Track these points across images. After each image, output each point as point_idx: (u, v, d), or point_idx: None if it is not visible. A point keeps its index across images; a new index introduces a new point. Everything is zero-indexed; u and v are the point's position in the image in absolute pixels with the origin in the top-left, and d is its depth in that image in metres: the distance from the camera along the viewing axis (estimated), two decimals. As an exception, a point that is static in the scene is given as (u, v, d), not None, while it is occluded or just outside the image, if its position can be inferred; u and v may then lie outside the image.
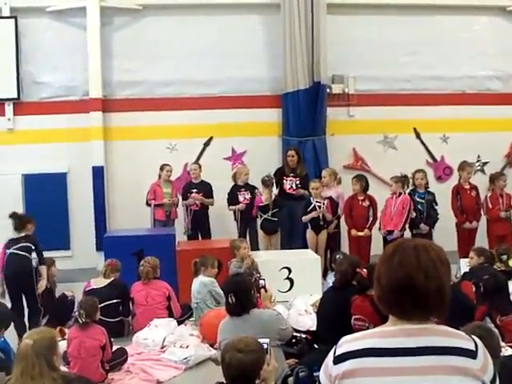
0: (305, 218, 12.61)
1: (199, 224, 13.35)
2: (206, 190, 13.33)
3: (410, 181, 13.17)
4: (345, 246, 12.83)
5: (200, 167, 13.66)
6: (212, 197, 13.38)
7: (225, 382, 4.70)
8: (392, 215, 12.40)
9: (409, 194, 12.83)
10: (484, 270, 9.25)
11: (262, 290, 7.70)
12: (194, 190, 13.29)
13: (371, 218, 12.72)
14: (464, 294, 8.24)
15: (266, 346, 5.06)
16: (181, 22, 14.57)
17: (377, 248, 12.04)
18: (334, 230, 12.93)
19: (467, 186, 13.17)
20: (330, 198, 12.80)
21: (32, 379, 4.69)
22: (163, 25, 14.56)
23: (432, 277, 2.67)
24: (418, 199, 12.74)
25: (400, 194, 12.51)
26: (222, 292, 9.76)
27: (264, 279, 7.09)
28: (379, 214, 12.67)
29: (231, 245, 11.01)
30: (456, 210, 13.06)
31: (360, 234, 12.67)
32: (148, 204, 13.52)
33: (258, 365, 4.67)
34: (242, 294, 6.70)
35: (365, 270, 7.91)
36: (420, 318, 2.69)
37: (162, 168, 13.56)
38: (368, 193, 12.87)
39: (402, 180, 12.69)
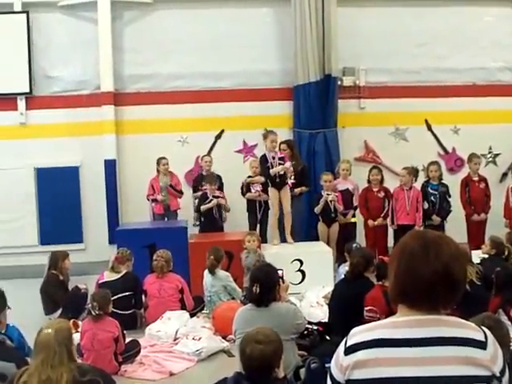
0: (317, 209, 12.62)
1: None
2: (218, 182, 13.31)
3: (422, 173, 13.21)
4: (360, 238, 12.82)
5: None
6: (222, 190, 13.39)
7: (243, 372, 4.76)
8: (408, 210, 12.43)
9: (422, 185, 12.88)
10: (495, 262, 9.25)
11: (280, 280, 7.70)
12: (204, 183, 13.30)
13: (386, 209, 12.73)
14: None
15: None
16: (191, 15, 14.59)
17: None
18: (352, 219, 12.99)
19: (476, 178, 13.17)
20: (347, 190, 12.86)
21: (52, 368, 4.72)
22: (174, 18, 14.59)
23: (462, 267, 2.75)
24: (431, 191, 12.76)
25: (411, 187, 12.54)
26: (236, 287, 9.87)
27: (282, 269, 7.07)
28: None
29: (243, 238, 11.08)
30: (464, 202, 13.07)
31: (375, 222, 12.70)
32: (147, 199, 13.62)
33: (278, 354, 4.78)
34: (268, 285, 6.70)
35: (386, 258, 7.93)
36: (433, 308, 2.71)
37: (158, 162, 13.61)
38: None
39: (414, 172, 12.71)
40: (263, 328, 5.01)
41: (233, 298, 9.80)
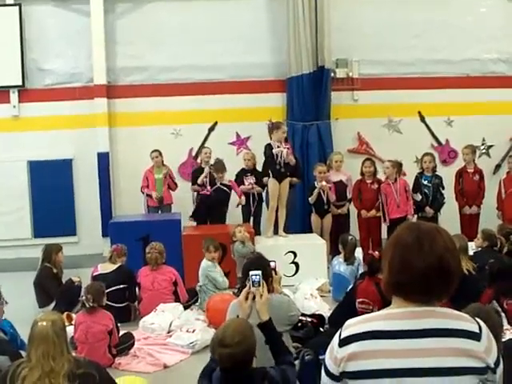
0: (311, 199, 12.61)
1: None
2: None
3: (415, 165, 13.20)
4: (354, 229, 12.81)
5: None
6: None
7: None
8: (398, 202, 12.40)
9: (416, 177, 12.91)
10: (488, 253, 9.27)
11: (272, 272, 7.66)
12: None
13: (380, 200, 12.72)
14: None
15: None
16: (184, 7, 14.55)
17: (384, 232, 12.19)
18: (345, 212, 13.02)
19: (471, 170, 13.15)
20: (341, 182, 12.86)
21: (53, 359, 4.71)
22: (166, 10, 14.56)
23: (456, 257, 2.75)
24: (424, 182, 12.76)
25: (396, 179, 12.49)
26: (218, 276, 9.88)
27: (274, 261, 7.04)
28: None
29: (229, 233, 11.07)
30: (457, 193, 13.08)
31: (369, 214, 12.70)
32: (142, 191, 13.61)
33: (249, 352, 4.65)
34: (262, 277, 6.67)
35: (377, 252, 7.93)
36: (439, 299, 2.74)
37: (150, 155, 13.60)
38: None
39: (398, 166, 12.65)
40: (231, 325, 4.86)
41: (217, 289, 9.81)
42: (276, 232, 12.31)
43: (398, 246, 2.78)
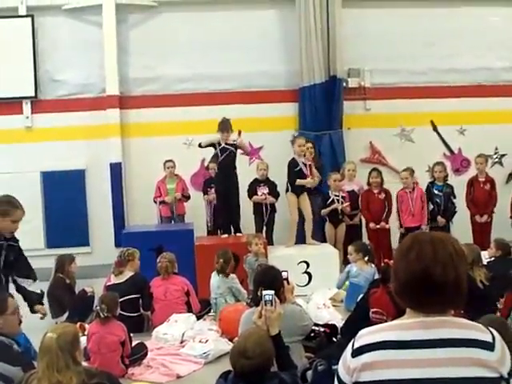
0: (324, 212, 12.63)
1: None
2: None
3: (427, 174, 13.16)
4: (364, 240, 12.79)
5: None
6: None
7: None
8: (413, 211, 12.39)
9: (427, 186, 12.90)
10: (502, 263, 9.22)
11: (285, 282, 7.66)
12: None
13: (386, 210, 12.75)
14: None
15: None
16: (196, 17, 14.60)
17: (396, 241, 12.15)
18: (357, 222, 13.09)
19: (482, 179, 13.15)
20: (353, 192, 12.88)
21: (58, 372, 4.71)
22: (178, 21, 14.61)
23: (449, 269, 2.70)
24: (435, 192, 12.76)
25: (413, 187, 12.50)
26: (241, 288, 9.87)
27: (287, 271, 7.03)
28: (394, 209, 12.80)
29: (246, 240, 11.08)
30: (468, 202, 13.06)
31: (378, 226, 12.69)
32: (154, 201, 13.64)
33: (268, 362, 4.70)
34: (272, 288, 6.64)
35: (392, 261, 7.91)
36: (437, 310, 2.72)
37: (164, 164, 13.66)
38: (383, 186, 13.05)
39: (413, 173, 12.69)
40: (251, 337, 4.92)
41: (238, 300, 9.80)
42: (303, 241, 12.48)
43: (401, 256, 2.80)
